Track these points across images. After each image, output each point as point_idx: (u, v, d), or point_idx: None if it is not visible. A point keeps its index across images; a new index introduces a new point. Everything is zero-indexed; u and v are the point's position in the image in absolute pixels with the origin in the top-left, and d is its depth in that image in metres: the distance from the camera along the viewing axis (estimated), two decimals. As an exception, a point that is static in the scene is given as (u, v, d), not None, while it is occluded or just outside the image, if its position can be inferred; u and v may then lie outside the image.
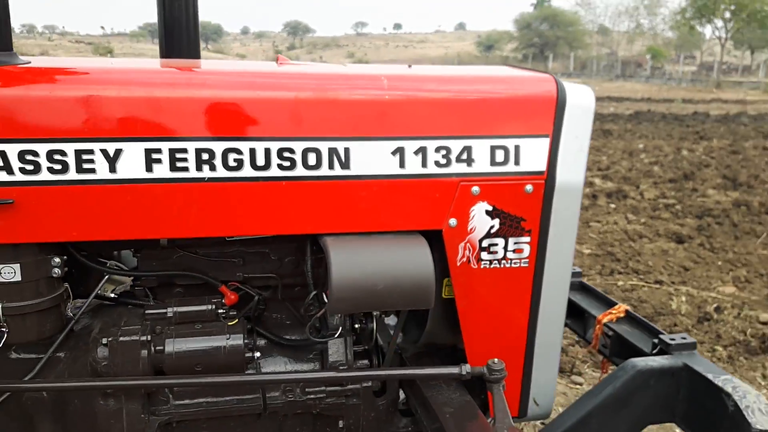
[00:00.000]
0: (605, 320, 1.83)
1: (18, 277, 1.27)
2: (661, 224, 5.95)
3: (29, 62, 1.30)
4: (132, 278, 1.51)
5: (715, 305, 3.98)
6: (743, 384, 1.37)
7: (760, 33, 37.90)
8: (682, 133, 12.71)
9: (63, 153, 1.21)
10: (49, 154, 1.20)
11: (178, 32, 1.79)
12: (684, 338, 1.57)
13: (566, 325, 1.80)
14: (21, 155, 1.19)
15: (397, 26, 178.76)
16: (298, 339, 1.54)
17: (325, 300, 1.36)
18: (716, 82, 33.03)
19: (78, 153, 1.21)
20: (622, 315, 1.85)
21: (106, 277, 1.41)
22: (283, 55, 1.75)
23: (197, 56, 1.84)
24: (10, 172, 1.20)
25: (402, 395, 1.62)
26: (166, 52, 1.80)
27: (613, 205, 6.77)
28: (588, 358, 3.32)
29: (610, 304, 1.91)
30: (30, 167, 1.20)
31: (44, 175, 1.21)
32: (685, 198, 7.00)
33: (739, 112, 17.38)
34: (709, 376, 1.41)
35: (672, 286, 4.36)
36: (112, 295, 1.50)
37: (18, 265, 1.27)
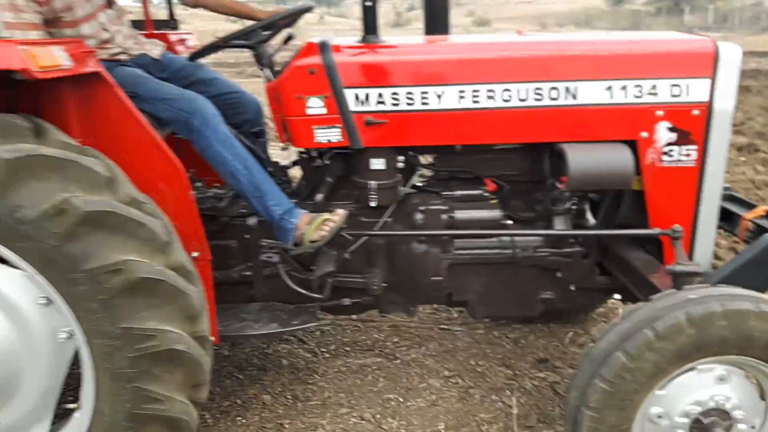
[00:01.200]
0: (750, 217, 2.40)
1: (383, 167, 2.20)
2: (790, 176, 6.01)
3: (386, 40, 2.18)
4: (431, 174, 2.38)
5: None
6: None
7: None
8: (834, 87, 11.70)
9: (412, 93, 2.08)
10: (406, 94, 2.08)
11: (438, 14, 2.60)
12: None
13: (719, 227, 2.40)
14: (391, 95, 2.08)
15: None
16: (532, 216, 2.34)
17: (557, 185, 2.14)
18: None
19: (422, 93, 2.08)
20: (762, 213, 2.42)
21: (419, 171, 2.29)
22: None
23: (447, 33, 2.65)
24: (385, 104, 2.09)
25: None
26: (427, 30, 2.63)
27: (743, 158, 6.83)
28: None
29: (753, 207, 2.48)
30: (395, 101, 2.09)
31: (402, 106, 2.10)
32: (821, 151, 6.84)
33: None
34: None
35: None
36: (419, 185, 2.38)
37: (383, 159, 2.19)
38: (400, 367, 2.94)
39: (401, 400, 2.70)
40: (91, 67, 1.81)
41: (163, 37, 2.76)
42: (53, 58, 1.66)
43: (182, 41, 2.90)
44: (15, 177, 1.58)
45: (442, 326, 3.30)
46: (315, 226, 2.14)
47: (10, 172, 1.57)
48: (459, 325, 3.31)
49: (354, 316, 3.30)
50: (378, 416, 2.60)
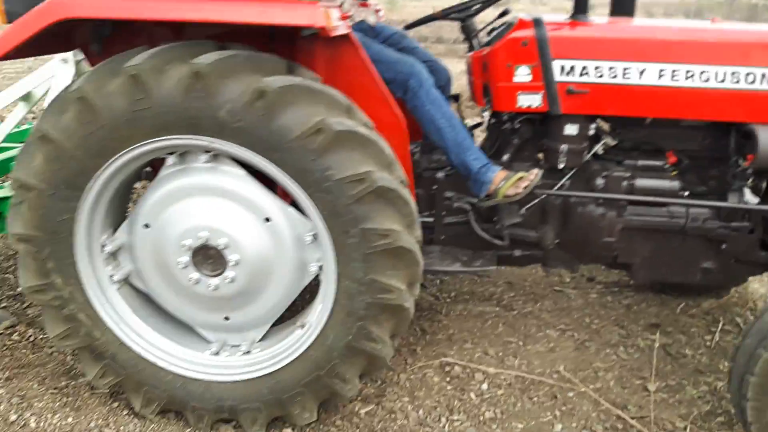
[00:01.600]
0: None
1: (575, 132, 2.41)
2: None
3: (593, 19, 2.37)
4: (614, 143, 2.54)
5: None
6: None
7: None
8: None
9: (615, 68, 2.30)
10: (609, 68, 2.30)
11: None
12: None
13: None
14: (595, 68, 2.31)
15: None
16: (705, 190, 2.47)
17: (741, 163, 2.31)
18: None
19: (624, 68, 2.29)
20: None
21: (603, 140, 2.48)
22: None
23: (632, 15, 2.79)
24: (588, 76, 2.32)
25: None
26: (614, 11, 2.77)
27: None
28: None
29: None
30: (598, 74, 2.31)
31: (604, 79, 2.32)
32: None
33: None
34: None
35: None
36: (600, 152, 2.55)
37: (577, 125, 2.41)
38: (518, 318, 3.18)
39: (521, 344, 2.95)
40: (347, 29, 2.09)
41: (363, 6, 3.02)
42: (335, 19, 1.95)
43: (377, 11, 3.15)
44: (335, 145, 1.88)
45: (556, 288, 3.52)
46: (511, 183, 2.37)
47: (333, 140, 1.87)
48: (572, 288, 3.51)
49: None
50: (500, 354, 2.87)
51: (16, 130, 3.61)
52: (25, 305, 3.25)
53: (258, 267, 2.14)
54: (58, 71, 3.08)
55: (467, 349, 2.90)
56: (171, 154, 2.10)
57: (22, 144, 3.63)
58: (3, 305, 3.20)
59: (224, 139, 1.91)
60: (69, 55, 3.06)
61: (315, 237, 2.09)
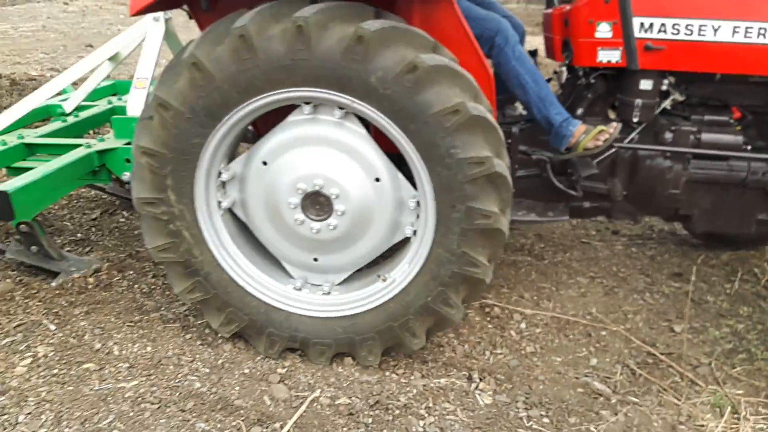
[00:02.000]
0: None
1: (650, 87, 2.54)
2: None
3: None
4: (682, 99, 2.66)
5: None
6: None
7: None
8: None
9: (692, 25, 2.44)
10: (686, 25, 2.44)
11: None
12: None
13: None
14: (673, 25, 2.43)
15: None
16: (765, 144, 2.62)
17: None
18: None
19: (700, 26, 2.42)
20: None
21: (672, 96, 2.59)
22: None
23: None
24: (666, 33, 2.47)
25: None
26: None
27: None
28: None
29: None
30: (675, 31, 2.45)
31: (681, 36, 2.48)
32: None
33: None
34: None
35: None
36: (668, 108, 2.66)
37: (652, 81, 2.54)
38: (549, 266, 3.40)
39: (554, 289, 3.18)
40: None
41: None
42: None
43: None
44: (466, 127, 1.96)
45: (583, 240, 3.74)
46: (592, 136, 2.49)
47: (465, 122, 1.95)
48: (598, 241, 3.74)
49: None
50: (535, 297, 3.09)
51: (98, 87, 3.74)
52: (87, 249, 3.35)
53: (359, 220, 2.28)
54: (150, 29, 3.21)
55: (504, 293, 3.12)
56: (307, 103, 2.17)
57: (100, 101, 3.83)
58: (67, 249, 3.31)
59: (368, 102, 2.01)
60: (160, 14, 3.19)
61: (417, 203, 2.22)
